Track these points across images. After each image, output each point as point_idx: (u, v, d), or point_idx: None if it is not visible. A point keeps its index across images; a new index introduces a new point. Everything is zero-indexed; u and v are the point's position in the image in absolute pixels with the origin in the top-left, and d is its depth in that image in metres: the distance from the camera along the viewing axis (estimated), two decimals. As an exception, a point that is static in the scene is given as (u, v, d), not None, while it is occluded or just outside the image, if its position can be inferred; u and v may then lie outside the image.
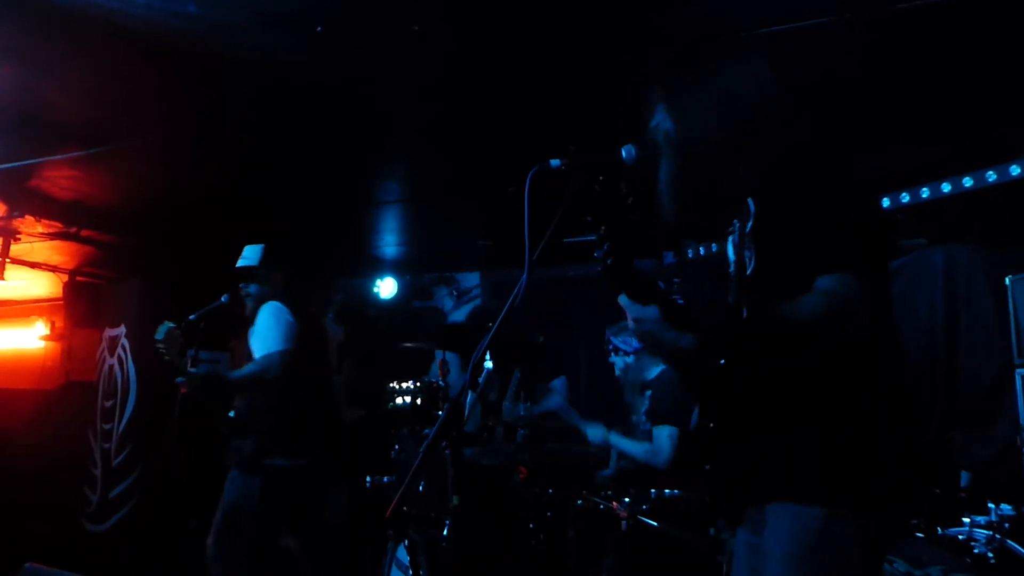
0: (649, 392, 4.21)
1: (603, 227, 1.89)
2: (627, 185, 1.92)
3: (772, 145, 1.90)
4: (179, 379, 3.98)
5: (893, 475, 1.77)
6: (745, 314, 1.77)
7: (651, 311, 1.82)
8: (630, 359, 4.32)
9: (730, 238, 2.06)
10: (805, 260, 1.74)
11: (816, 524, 1.71)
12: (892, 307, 1.88)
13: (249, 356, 4.15)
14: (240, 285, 4.33)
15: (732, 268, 2.05)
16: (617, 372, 4.39)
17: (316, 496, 4.25)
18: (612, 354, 4.37)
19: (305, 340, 4.15)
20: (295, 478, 4.03)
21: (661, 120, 2.02)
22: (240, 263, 4.35)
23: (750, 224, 1.93)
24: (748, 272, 1.91)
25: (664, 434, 3.99)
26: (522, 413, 4.34)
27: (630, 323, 1.86)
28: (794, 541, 1.74)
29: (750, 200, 1.94)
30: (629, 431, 4.20)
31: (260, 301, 4.22)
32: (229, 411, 4.14)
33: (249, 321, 4.26)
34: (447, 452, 2.38)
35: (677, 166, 1.97)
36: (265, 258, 4.32)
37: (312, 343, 4.27)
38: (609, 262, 1.87)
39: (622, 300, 1.88)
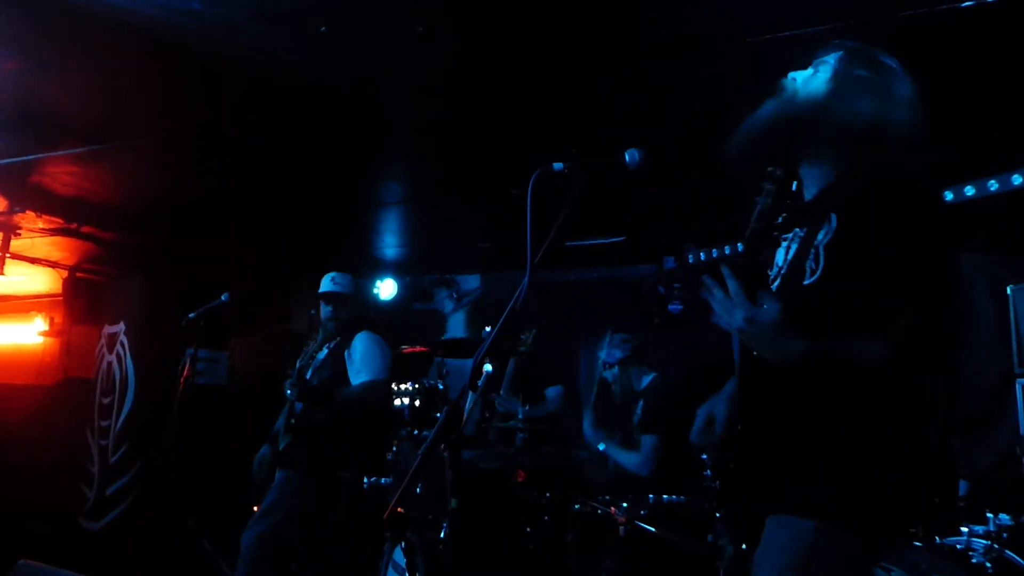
0: (642, 401, 4.23)
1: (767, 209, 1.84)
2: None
3: (875, 160, 1.89)
4: (288, 385, 4.20)
5: (893, 492, 1.76)
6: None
7: (772, 309, 1.73)
8: (615, 371, 4.36)
9: (784, 244, 2.03)
10: (893, 292, 1.72)
11: (807, 536, 1.72)
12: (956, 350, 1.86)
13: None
14: (328, 309, 4.58)
15: (776, 272, 2.02)
16: (614, 386, 4.43)
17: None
18: (604, 368, 4.43)
19: None
20: (351, 488, 4.40)
21: (809, 75, 1.99)
22: (334, 288, 4.60)
23: (826, 237, 1.87)
24: (806, 282, 1.87)
25: (649, 444, 4.04)
26: (517, 410, 4.36)
27: (740, 322, 1.73)
28: (782, 551, 1.74)
29: (834, 215, 1.87)
30: (626, 442, 4.23)
31: (351, 327, 4.52)
32: (290, 418, 4.31)
33: (327, 341, 4.54)
34: (446, 455, 2.37)
35: (786, 117, 1.96)
36: (356, 286, 4.66)
37: None
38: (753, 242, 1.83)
39: (730, 291, 1.75)
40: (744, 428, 1.92)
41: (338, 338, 4.53)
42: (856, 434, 1.76)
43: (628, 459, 4.12)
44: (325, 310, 4.60)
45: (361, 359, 4.38)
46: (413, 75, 3.66)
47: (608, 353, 4.37)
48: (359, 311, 4.70)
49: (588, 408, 4.30)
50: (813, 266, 1.87)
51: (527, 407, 4.07)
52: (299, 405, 4.30)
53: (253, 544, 4.07)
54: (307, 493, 4.21)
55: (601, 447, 4.24)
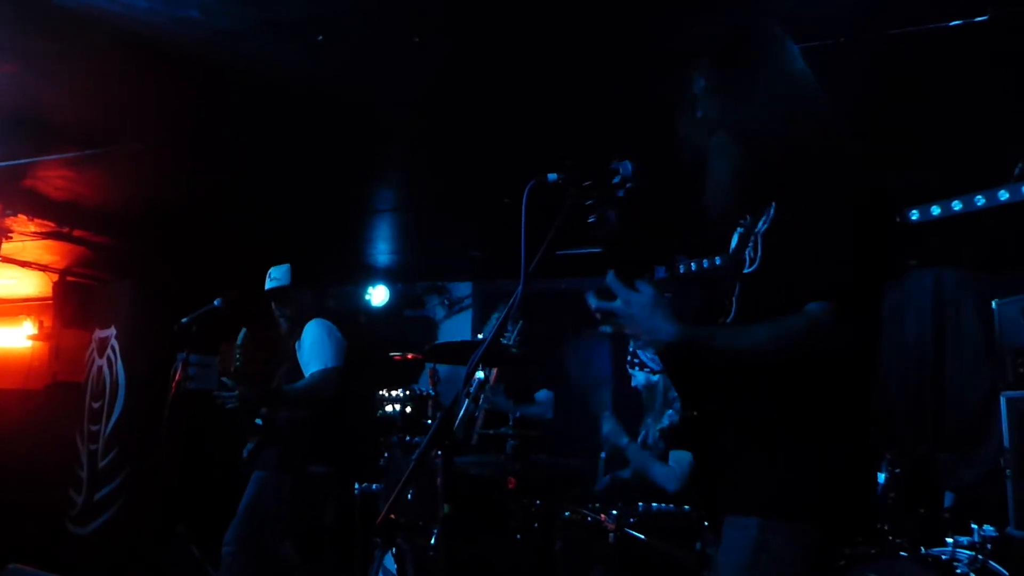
0: (670, 412, 4.06)
1: (606, 196, 1.88)
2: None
3: (805, 149, 1.88)
4: (226, 395, 4.05)
5: (840, 486, 1.79)
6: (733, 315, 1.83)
7: (645, 294, 1.79)
8: (655, 378, 4.13)
9: (737, 231, 2.07)
10: (802, 279, 1.75)
11: (753, 533, 1.75)
12: (879, 329, 1.89)
13: (250, 362, 4.22)
14: (273, 305, 4.50)
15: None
16: (635, 384, 4.25)
17: (322, 504, 4.40)
18: (635, 367, 4.20)
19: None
20: (324, 483, 4.28)
21: (714, 111, 1.97)
22: (271, 285, 4.50)
23: (764, 226, 1.92)
24: (746, 270, 1.92)
25: (686, 460, 3.80)
26: (506, 407, 4.33)
27: (618, 305, 1.82)
28: (736, 552, 1.79)
29: (773, 204, 1.92)
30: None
31: (299, 319, 4.41)
32: (255, 418, 4.22)
33: (290, 337, 4.44)
34: (438, 461, 2.38)
35: (738, 157, 1.93)
36: (295, 277, 4.48)
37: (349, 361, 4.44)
38: (608, 229, 1.87)
39: (610, 280, 1.85)
40: (694, 434, 1.98)
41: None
42: (795, 430, 1.79)
43: (660, 471, 3.83)
44: (274, 309, 4.53)
45: (309, 349, 4.29)
46: (409, 85, 3.69)
47: (653, 357, 4.10)
48: (308, 300, 4.52)
49: (608, 411, 4.11)
50: (752, 255, 1.91)
51: (518, 408, 4.01)
52: (282, 412, 4.26)
53: (234, 551, 4.04)
54: (281, 491, 4.14)
55: (630, 447, 3.98)
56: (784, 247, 1.83)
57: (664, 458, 3.93)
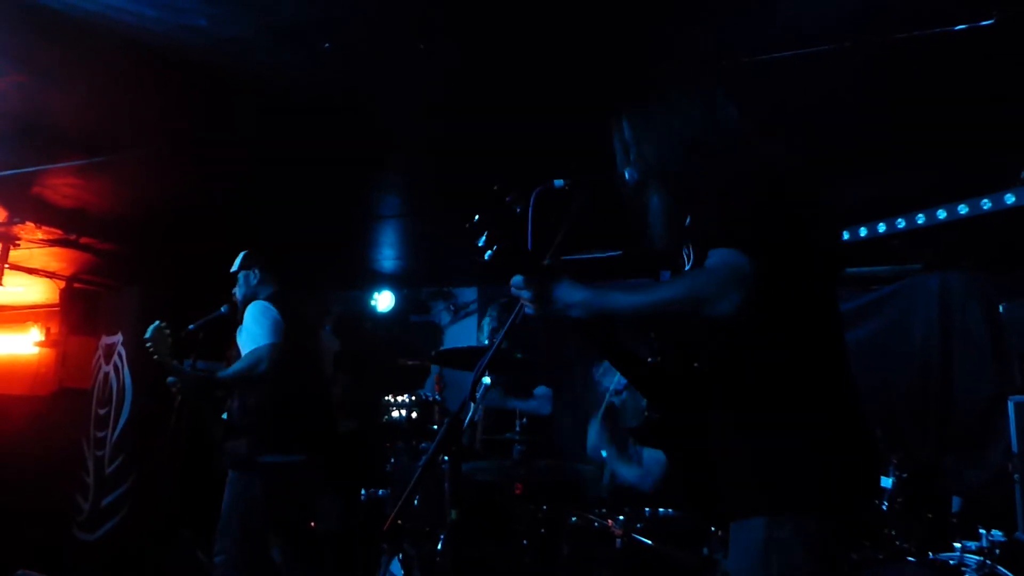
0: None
1: (483, 218, 2.02)
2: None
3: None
4: (170, 379, 4.03)
5: (836, 474, 1.79)
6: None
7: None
8: (625, 395, 4.16)
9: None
10: (706, 242, 1.82)
11: (759, 533, 1.76)
12: (831, 306, 1.91)
13: (237, 357, 4.19)
14: (233, 291, 4.47)
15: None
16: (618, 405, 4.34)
17: (308, 502, 4.30)
18: (611, 395, 4.22)
19: (295, 338, 4.21)
20: (292, 475, 4.07)
21: (643, 152, 2.10)
22: (232, 270, 4.51)
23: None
24: (686, 269, 2.02)
25: (653, 458, 3.96)
26: (503, 403, 4.32)
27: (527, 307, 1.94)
28: (746, 554, 1.79)
29: (688, 215, 2.05)
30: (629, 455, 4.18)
31: (245, 302, 4.33)
32: (221, 414, 4.16)
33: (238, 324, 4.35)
34: (445, 467, 2.39)
35: (668, 191, 2.05)
36: (244, 262, 4.47)
37: (302, 343, 4.32)
38: (496, 249, 1.99)
39: (514, 281, 1.97)
40: (677, 446, 2.04)
41: None
42: (769, 429, 1.81)
43: (630, 473, 3.97)
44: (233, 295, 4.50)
45: (247, 333, 4.17)
46: (414, 91, 3.70)
47: (618, 381, 4.17)
48: (255, 284, 4.42)
49: (595, 419, 4.18)
50: (688, 255, 2.03)
51: (511, 401, 3.98)
52: (235, 402, 4.17)
53: (224, 560, 3.95)
54: (251, 488, 4.00)
55: (603, 454, 4.13)
56: (701, 238, 1.94)
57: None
